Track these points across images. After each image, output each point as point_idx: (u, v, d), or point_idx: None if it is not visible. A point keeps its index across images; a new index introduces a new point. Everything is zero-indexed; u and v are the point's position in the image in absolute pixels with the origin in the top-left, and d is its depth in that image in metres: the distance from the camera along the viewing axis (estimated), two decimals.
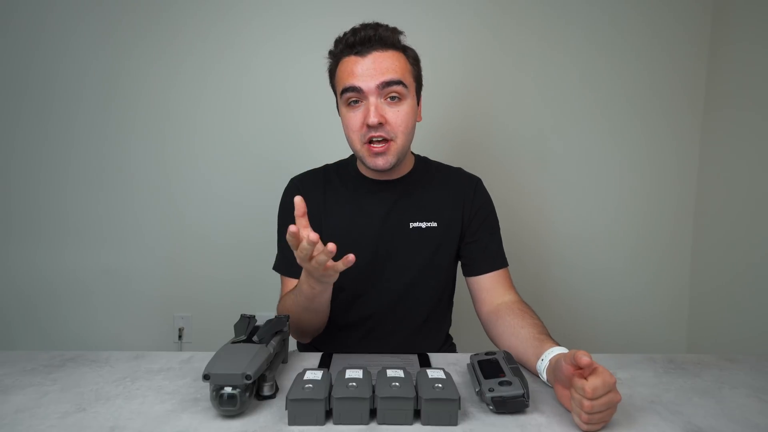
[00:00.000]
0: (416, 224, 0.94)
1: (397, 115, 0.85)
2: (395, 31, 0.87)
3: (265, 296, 1.42)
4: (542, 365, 0.70)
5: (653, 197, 1.67)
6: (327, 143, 1.38)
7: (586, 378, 0.58)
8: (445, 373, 0.65)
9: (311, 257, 0.69)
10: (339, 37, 0.88)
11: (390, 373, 0.64)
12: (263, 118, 1.64)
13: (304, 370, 0.65)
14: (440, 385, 0.61)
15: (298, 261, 0.71)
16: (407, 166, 0.97)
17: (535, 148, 1.65)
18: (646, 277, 1.70)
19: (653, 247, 1.69)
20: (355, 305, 0.96)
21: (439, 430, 0.59)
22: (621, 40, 1.62)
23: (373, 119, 0.83)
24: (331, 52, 0.90)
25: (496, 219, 1.01)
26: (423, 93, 0.95)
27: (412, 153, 1.00)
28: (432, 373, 0.65)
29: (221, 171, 1.66)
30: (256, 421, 0.61)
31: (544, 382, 0.71)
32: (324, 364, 0.80)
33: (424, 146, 1.10)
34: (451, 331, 1.08)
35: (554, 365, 0.66)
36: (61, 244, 1.67)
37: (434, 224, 0.95)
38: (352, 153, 0.95)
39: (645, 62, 1.62)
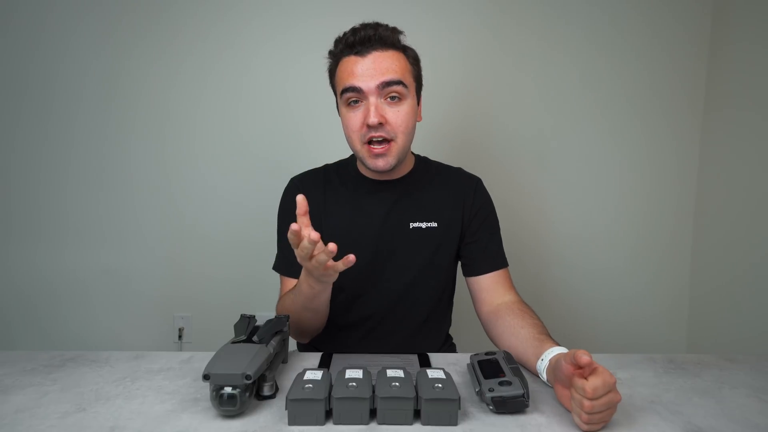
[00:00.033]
0: (416, 224, 0.94)
1: (397, 115, 0.85)
2: (395, 31, 0.87)
3: (265, 296, 1.42)
4: (542, 365, 0.70)
5: (653, 197, 1.67)
6: (327, 143, 1.38)
7: (586, 378, 0.58)
8: (445, 373, 0.65)
9: (312, 256, 0.69)
10: (339, 37, 0.88)
11: (390, 373, 0.64)
12: (263, 118, 1.64)
13: (304, 370, 0.65)
14: (440, 385, 0.61)
15: (298, 260, 0.71)
16: (407, 166, 0.97)
17: (535, 148, 1.65)
18: (646, 277, 1.70)
19: (653, 247, 1.69)
20: (355, 305, 0.96)
21: (439, 430, 0.59)
22: (621, 40, 1.62)
23: (373, 119, 0.83)
24: (330, 52, 0.90)
25: (496, 219, 1.01)
26: (423, 93, 0.95)
27: (412, 153, 1.00)
28: (432, 373, 0.64)
29: (221, 171, 1.66)
30: (256, 421, 0.61)
31: (544, 382, 0.71)
32: (324, 364, 0.80)
33: (424, 146, 1.10)
34: (451, 331, 1.08)
35: (554, 365, 0.66)
36: (61, 244, 1.67)
37: (434, 224, 0.95)
38: (352, 153, 0.95)
39: (645, 62, 1.62)
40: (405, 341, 0.96)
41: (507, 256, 0.98)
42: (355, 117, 0.86)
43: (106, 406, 0.65)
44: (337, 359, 0.82)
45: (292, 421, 0.60)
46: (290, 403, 0.59)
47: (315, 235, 0.66)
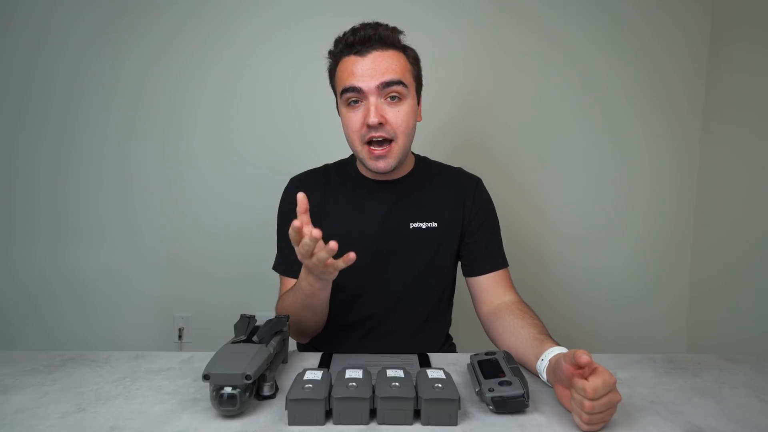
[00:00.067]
0: (416, 224, 0.94)
1: (397, 115, 0.85)
2: (395, 31, 0.87)
3: (265, 296, 1.42)
4: (542, 365, 0.70)
5: (653, 197, 1.67)
6: (327, 143, 1.38)
7: (586, 378, 0.58)
8: (445, 373, 0.65)
9: (312, 254, 0.69)
10: (339, 37, 0.88)
11: (390, 373, 0.64)
12: (263, 118, 1.64)
13: (304, 370, 0.65)
14: (440, 385, 0.61)
15: (299, 257, 0.71)
16: (407, 167, 0.97)
17: (535, 148, 1.65)
18: (646, 277, 1.70)
19: (653, 247, 1.69)
20: (355, 305, 0.95)
21: (439, 430, 0.59)
22: (621, 40, 1.62)
23: (373, 119, 0.83)
24: (330, 52, 0.90)
25: (497, 219, 1.00)
26: (423, 93, 0.95)
27: (413, 153, 1.00)
28: (432, 373, 0.65)
29: (221, 171, 1.66)
30: (256, 421, 0.61)
31: (544, 382, 0.71)
32: (324, 364, 0.80)
33: (424, 146, 1.10)
34: (451, 331, 1.08)
35: (554, 365, 0.66)
36: (61, 244, 1.67)
37: (434, 224, 0.95)
38: (352, 153, 0.95)
39: (645, 62, 1.62)
40: (405, 341, 0.95)
41: (507, 256, 0.98)
42: (355, 117, 0.86)
43: (106, 406, 0.65)
44: (337, 359, 0.82)
45: (292, 421, 0.60)
46: (290, 403, 0.59)
47: (316, 232, 0.66)
